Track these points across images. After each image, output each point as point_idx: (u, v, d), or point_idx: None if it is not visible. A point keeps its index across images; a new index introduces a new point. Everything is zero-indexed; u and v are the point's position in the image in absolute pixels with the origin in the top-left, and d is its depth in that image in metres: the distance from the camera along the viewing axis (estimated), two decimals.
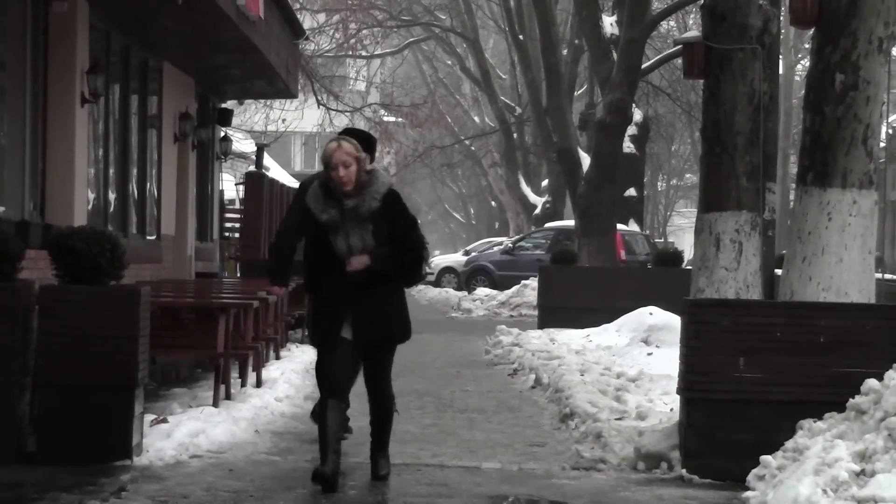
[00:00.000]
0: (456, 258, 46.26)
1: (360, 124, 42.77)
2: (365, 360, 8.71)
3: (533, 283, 27.64)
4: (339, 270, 8.44)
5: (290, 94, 23.74)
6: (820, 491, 7.17)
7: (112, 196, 15.92)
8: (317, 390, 13.68)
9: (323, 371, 8.52)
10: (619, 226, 29.53)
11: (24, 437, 8.97)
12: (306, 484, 8.41)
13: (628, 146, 30.80)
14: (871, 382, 8.14)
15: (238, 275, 24.13)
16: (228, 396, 12.07)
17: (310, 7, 39.10)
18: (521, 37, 37.99)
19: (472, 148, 52.60)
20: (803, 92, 10.74)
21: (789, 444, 8.34)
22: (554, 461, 9.70)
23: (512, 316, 28.68)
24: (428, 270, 8.78)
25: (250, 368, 13.33)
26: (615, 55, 27.32)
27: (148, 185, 17.72)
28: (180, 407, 11.22)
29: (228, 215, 27.40)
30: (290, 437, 10.50)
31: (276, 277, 9.72)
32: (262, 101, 36.18)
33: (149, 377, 9.65)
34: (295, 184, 40.90)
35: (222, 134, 24.05)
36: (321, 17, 40.85)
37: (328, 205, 8.50)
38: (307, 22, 34.70)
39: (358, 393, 9.08)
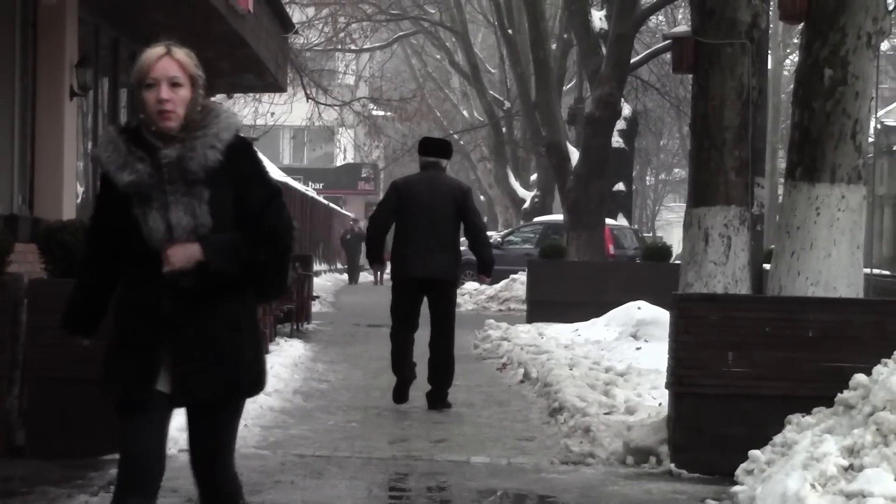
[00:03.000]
0: None
1: (349, 118, 42.82)
2: (192, 426, 5.12)
3: (522, 277, 27.62)
4: (151, 273, 4.90)
5: (279, 87, 23.73)
6: (808, 485, 7.17)
7: None
8: (305, 384, 13.81)
9: (126, 451, 5.00)
10: (608, 220, 29.52)
11: (13, 430, 8.96)
12: (294, 478, 8.41)
13: (617, 141, 30.81)
14: (860, 377, 8.15)
15: None
16: None
17: (299, 1, 39.05)
18: (510, 31, 37.97)
19: (461, 142, 52.57)
20: (792, 87, 10.76)
21: (778, 438, 8.35)
22: (543, 455, 9.70)
23: (500, 310, 28.65)
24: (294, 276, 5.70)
25: None
26: (604, 50, 27.31)
27: None
28: None
29: None
30: (278, 431, 10.48)
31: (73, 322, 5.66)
32: (251, 94, 36.14)
33: None
34: (283, 178, 40.93)
35: None
36: (310, 11, 40.81)
37: (133, 156, 4.88)
38: (296, 16, 34.66)
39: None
